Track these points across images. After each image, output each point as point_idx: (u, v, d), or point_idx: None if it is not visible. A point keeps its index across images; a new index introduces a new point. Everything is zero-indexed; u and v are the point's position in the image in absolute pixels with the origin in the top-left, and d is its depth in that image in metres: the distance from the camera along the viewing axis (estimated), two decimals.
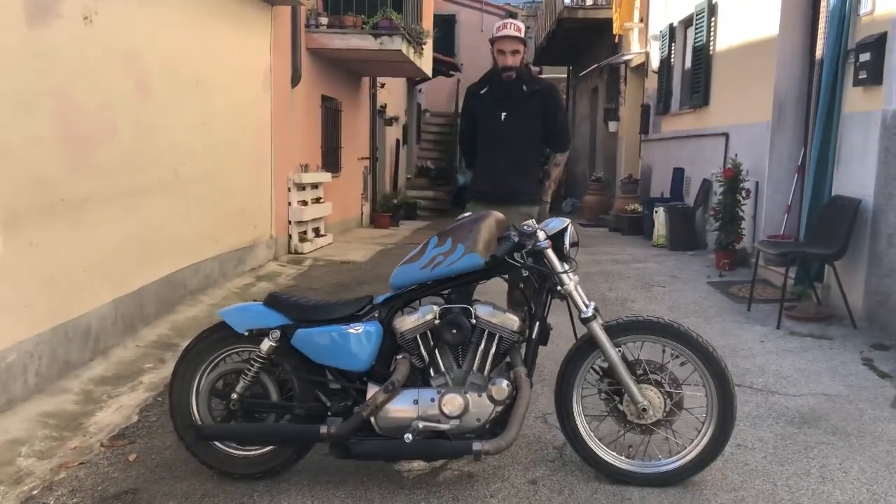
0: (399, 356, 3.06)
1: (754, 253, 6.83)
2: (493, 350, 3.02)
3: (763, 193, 6.87)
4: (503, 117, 4.23)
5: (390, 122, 14.01)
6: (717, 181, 7.28)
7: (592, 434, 3.09)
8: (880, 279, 4.90)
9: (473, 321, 2.97)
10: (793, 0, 6.53)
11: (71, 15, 4.32)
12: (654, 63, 11.28)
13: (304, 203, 8.83)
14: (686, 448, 3.02)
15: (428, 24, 11.80)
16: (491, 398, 2.95)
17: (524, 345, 3.07)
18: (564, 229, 3.03)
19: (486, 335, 3.01)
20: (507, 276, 3.16)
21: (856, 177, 5.22)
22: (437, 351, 3.04)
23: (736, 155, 6.99)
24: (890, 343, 4.66)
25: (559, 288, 3.00)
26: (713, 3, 8.45)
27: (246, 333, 3.06)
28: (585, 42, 16.78)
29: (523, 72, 4.29)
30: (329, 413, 3.06)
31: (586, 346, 3.04)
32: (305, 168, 8.91)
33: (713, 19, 8.46)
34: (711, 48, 8.51)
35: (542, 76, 24.89)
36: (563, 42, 17.09)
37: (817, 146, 5.49)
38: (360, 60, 10.10)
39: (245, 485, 3.10)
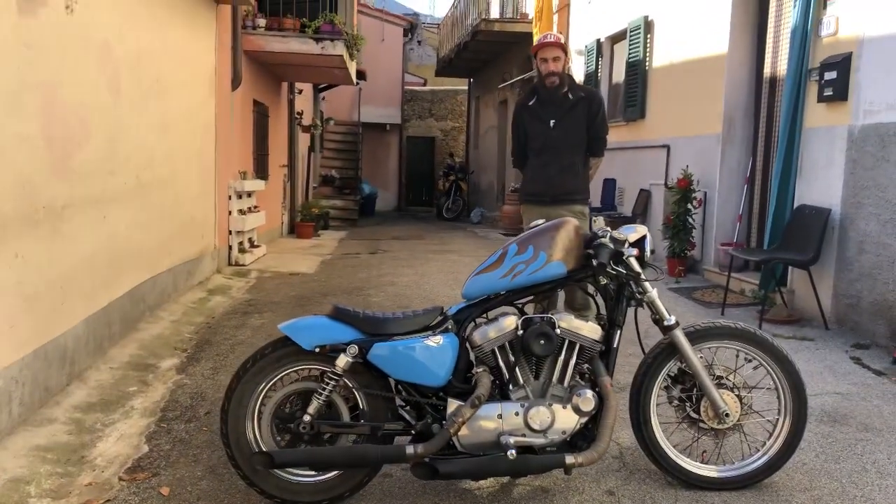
0: (479, 369, 2.94)
1: (714, 260, 7.14)
2: (572, 360, 2.96)
3: (714, 203, 7.20)
4: (552, 124, 4.56)
5: (308, 129, 13.64)
6: (668, 190, 7.56)
7: (668, 441, 3.10)
8: (850, 283, 5.24)
9: (557, 331, 2.91)
10: (740, 20, 6.90)
11: (54, 2, 3.90)
12: (578, 77, 11.60)
13: (243, 212, 8.41)
14: (760, 450, 3.08)
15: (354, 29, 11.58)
16: (577, 409, 2.89)
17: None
18: (644, 237, 3.03)
19: (566, 344, 2.95)
20: (582, 284, 3.11)
21: (820, 187, 5.57)
22: (516, 363, 2.95)
23: (687, 166, 7.29)
24: (866, 342, 4.99)
25: (638, 295, 3.00)
26: (649, 20, 8.80)
27: (316, 350, 2.84)
28: (494, 55, 17.05)
29: (566, 78, 4.57)
30: (412, 432, 2.89)
31: (664, 353, 3.05)
32: (244, 175, 8.50)
33: (649, 36, 8.81)
34: (648, 63, 8.86)
35: (434, 87, 25.24)
36: (473, 54, 17.28)
37: (781, 158, 5.81)
38: (292, 65, 9.77)
39: None
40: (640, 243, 3.00)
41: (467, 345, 2.95)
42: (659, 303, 2.99)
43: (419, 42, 30.01)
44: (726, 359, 3.11)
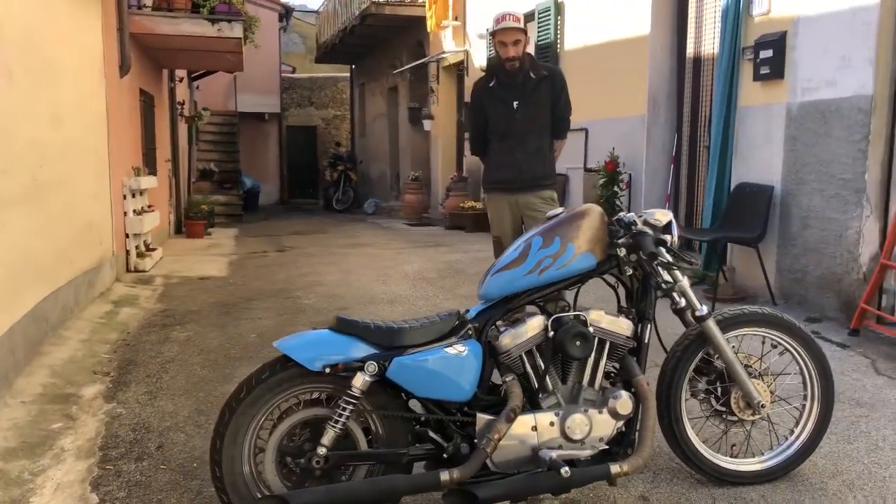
0: (508, 377, 2.63)
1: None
2: (603, 360, 2.72)
3: (641, 185, 7.21)
4: (515, 106, 4.30)
5: (192, 119, 12.67)
6: (589, 173, 7.50)
7: (698, 438, 2.92)
8: (795, 258, 5.33)
9: (590, 329, 2.65)
10: (661, 2, 6.90)
11: None
12: (480, 61, 11.41)
13: (138, 213, 7.61)
14: (789, 438, 2.97)
15: None
16: (614, 413, 2.65)
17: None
18: (670, 222, 2.81)
19: (596, 343, 2.69)
20: (606, 277, 2.85)
21: (758, 165, 5.64)
22: (546, 368, 2.66)
23: (613, 148, 7.25)
24: (817, 315, 5.08)
25: (665, 286, 2.78)
26: (559, 2, 8.71)
27: (327, 370, 2.43)
28: (382, 40, 16.59)
29: (527, 61, 4.22)
30: (445, 456, 2.54)
31: (695, 345, 2.85)
32: (138, 171, 7.68)
33: (560, 18, 8.73)
34: (559, 46, 8.77)
35: (313, 75, 24.40)
36: (358, 39, 16.73)
37: (718, 138, 5.84)
38: (180, 50, 8.94)
39: None
40: (667, 229, 2.79)
41: (487, 351, 2.64)
42: (690, 292, 2.79)
43: (284, 29, 28.99)
44: (751, 346, 2.97)
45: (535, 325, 2.63)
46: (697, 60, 6.66)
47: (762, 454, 2.97)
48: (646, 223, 2.69)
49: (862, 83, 4.72)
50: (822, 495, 2.82)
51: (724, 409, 2.92)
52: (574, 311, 2.70)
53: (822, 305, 5.13)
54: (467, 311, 2.74)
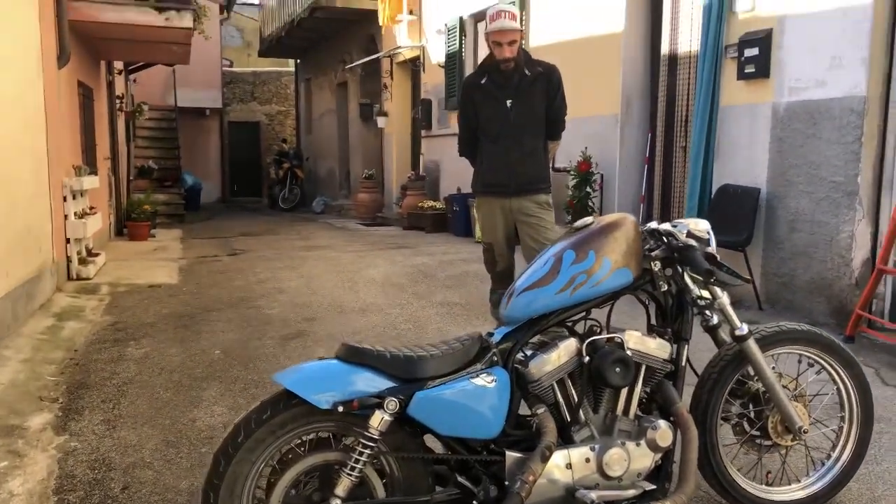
0: (539, 409, 2.34)
1: None
2: (638, 386, 2.45)
3: (614, 185, 7.02)
4: (509, 105, 4.06)
5: (132, 114, 11.97)
6: (566, 172, 7.29)
7: (733, 466, 2.69)
8: (782, 262, 5.20)
9: (628, 352, 2.38)
10: (636, 1, 6.73)
11: None
12: (437, 57, 11.10)
13: (79, 215, 7.04)
14: (828, 462, 2.77)
15: None
16: (653, 445, 2.40)
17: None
18: (709, 232, 2.57)
19: None
20: (638, 294, 2.59)
21: (742, 167, 5.50)
22: (578, 397, 2.39)
23: (586, 148, 7.04)
24: (806, 321, 4.94)
25: (701, 301, 2.53)
26: None
27: (339, 409, 2.10)
28: (332, 33, 16.09)
29: (521, 60, 4.11)
30: (475, 502, 2.23)
31: (731, 366, 2.62)
32: (79, 171, 7.11)
33: (524, 13, 8.49)
34: (523, 42, 8.52)
35: (256, 69, 23.67)
36: (306, 33, 16.20)
37: (700, 138, 5.68)
38: (123, 40, 8.35)
39: None
40: (707, 240, 2.56)
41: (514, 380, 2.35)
42: (730, 309, 2.55)
43: (223, 22, 28.12)
44: (786, 365, 2.76)
45: (567, 349, 2.36)
46: (673, 58, 6.50)
47: (799, 480, 2.77)
48: (689, 235, 2.44)
49: (855, 83, 4.60)
50: None
51: (758, 433, 2.71)
52: (608, 332, 2.44)
53: (810, 310, 5.01)
54: (490, 334, 2.45)
